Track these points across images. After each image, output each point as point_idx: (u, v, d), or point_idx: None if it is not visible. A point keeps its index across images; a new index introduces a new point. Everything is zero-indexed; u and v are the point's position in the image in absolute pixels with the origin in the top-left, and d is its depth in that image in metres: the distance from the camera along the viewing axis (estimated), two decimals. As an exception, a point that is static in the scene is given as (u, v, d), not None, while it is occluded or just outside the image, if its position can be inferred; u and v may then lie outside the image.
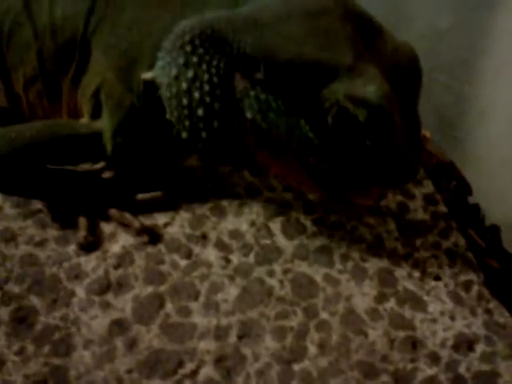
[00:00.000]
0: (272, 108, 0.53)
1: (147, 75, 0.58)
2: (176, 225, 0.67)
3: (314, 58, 0.51)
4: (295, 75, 0.52)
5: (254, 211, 0.69)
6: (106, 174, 0.71)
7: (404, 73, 0.54)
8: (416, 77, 0.56)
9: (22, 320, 0.58)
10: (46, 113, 0.68)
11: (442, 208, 0.71)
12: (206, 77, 0.54)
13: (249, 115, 0.54)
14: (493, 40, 0.74)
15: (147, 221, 0.67)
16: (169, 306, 0.59)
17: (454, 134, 0.82)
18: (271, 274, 0.62)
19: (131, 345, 0.56)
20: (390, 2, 0.87)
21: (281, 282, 0.62)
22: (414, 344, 0.57)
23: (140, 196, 0.67)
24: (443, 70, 0.80)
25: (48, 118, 0.68)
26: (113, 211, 0.66)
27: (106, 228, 0.66)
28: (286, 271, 0.63)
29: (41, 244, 0.65)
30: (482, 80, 0.77)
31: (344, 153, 0.53)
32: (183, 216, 0.68)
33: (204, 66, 0.54)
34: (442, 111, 0.83)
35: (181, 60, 0.54)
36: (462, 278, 0.63)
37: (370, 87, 0.50)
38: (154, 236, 0.65)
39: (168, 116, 0.57)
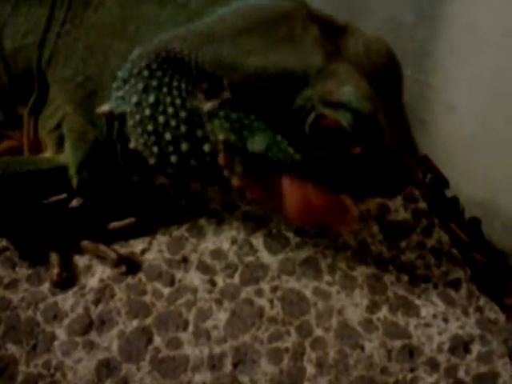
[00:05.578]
0: (245, 126, 0.49)
1: (104, 108, 0.54)
2: (154, 250, 0.64)
3: (279, 67, 0.47)
4: (263, 88, 0.48)
5: (234, 227, 0.67)
6: (74, 203, 0.67)
7: (381, 69, 0.50)
8: (395, 71, 0.52)
9: (0, 372, 0.55)
10: (12, 142, 0.65)
11: (422, 205, 0.71)
12: (169, 99, 0.50)
13: (221, 137, 0.50)
14: (455, 30, 0.73)
15: (123, 249, 0.64)
16: (157, 340, 0.57)
17: (423, 125, 0.82)
18: (259, 293, 0.60)
19: (122, 386, 0.54)
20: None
21: (270, 301, 0.60)
22: (411, 352, 0.56)
23: (112, 224, 0.65)
24: (409, 64, 0.79)
25: (16, 146, 0.65)
26: (86, 243, 0.63)
27: (80, 261, 0.63)
28: (274, 289, 0.61)
29: (12, 285, 0.61)
30: (446, 70, 0.76)
31: (330, 164, 0.49)
32: (160, 240, 0.65)
33: (165, 89, 0.50)
34: (410, 103, 0.82)
35: (140, 86, 0.51)
36: (450, 276, 0.63)
37: (345, 87, 0.46)
38: (132, 265, 0.62)
39: (132, 144, 0.54)
